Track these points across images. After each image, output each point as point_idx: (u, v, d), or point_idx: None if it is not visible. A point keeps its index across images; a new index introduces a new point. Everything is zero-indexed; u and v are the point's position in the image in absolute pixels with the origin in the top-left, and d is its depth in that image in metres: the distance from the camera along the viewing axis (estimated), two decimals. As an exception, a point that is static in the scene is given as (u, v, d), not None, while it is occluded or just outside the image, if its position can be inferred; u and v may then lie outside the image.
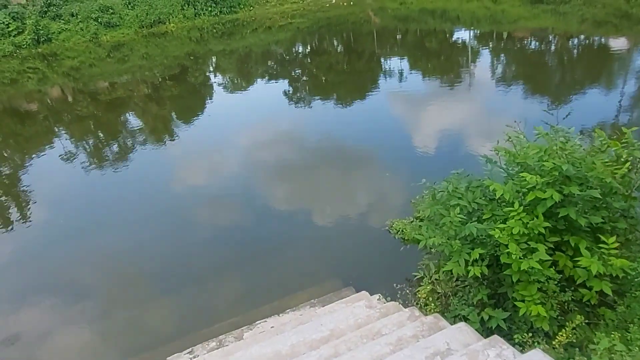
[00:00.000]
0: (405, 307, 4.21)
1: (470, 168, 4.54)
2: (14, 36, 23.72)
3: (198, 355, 4.52)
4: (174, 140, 12.09)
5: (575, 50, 17.16)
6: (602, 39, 17.15)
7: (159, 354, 4.70)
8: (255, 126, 12.11)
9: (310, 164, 9.39)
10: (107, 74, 19.56)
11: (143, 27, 25.32)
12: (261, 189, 8.66)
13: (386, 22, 24.30)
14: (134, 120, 14.79)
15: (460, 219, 3.82)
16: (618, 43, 16.26)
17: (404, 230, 5.86)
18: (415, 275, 4.53)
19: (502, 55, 17.59)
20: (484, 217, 3.98)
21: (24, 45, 23.74)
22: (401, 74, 16.24)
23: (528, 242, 3.65)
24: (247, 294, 5.69)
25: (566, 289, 3.66)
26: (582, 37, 18.10)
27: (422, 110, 11.78)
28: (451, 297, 4.18)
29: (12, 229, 8.35)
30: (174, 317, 5.51)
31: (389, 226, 6.36)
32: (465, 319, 3.99)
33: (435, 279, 4.26)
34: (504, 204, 4.13)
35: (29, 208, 9.16)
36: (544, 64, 15.39)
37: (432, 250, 4.17)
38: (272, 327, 4.73)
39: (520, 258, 3.51)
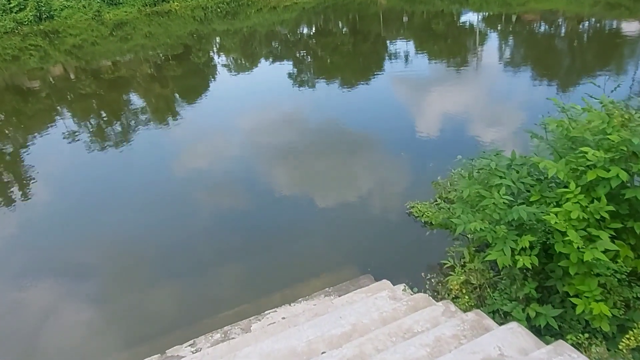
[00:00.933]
0: (435, 300, 3.62)
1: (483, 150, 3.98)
2: (15, 12, 22.74)
3: (201, 349, 3.95)
4: (177, 120, 11.40)
5: (585, 34, 16.32)
6: (615, 23, 16.29)
7: (157, 345, 4.13)
8: (260, 107, 11.39)
9: (320, 146, 8.68)
10: (110, 53, 18.73)
11: (146, 5, 24.34)
12: (269, 171, 7.98)
13: (393, 3, 23.31)
14: (136, 100, 14.08)
15: (506, 201, 3.19)
16: (631, 27, 15.41)
17: (426, 213, 5.24)
18: (445, 264, 3.92)
19: (511, 38, 16.76)
20: (531, 200, 3.35)
21: (25, 22, 22.78)
22: (407, 56, 15.43)
23: (586, 229, 3.04)
24: (254, 280, 5.08)
25: (632, 284, 3.05)
26: (593, 20, 17.23)
27: (429, 93, 11.04)
28: (488, 290, 3.58)
29: (12, 207, 7.80)
30: (175, 304, 4.90)
31: (408, 209, 5.73)
32: (505, 314, 3.40)
33: (470, 269, 3.65)
34: (554, 184, 3.51)
35: (30, 187, 8.57)
36: (554, 47, 14.57)
37: (469, 236, 3.54)
38: (283, 317, 4.14)
39: (579, 248, 2.90)
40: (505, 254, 3.15)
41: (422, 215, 5.35)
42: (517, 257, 3.13)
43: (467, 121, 8.92)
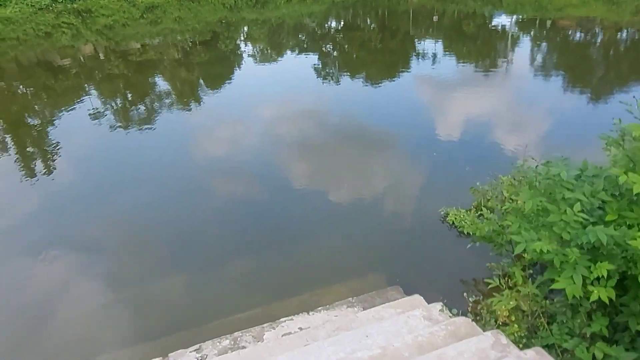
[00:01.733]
0: (478, 324, 3.03)
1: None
2: (51, -11, 22.63)
3: (207, 356, 3.46)
4: (200, 106, 10.98)
5: (623, 44, 15.29)
6: (656, 33, 15.23)
7: (159, 346, 3.67)
8: (284, 99, 10.85)
9: (344, 142, 8.08)
10: (139, 35, 18.41)
11: (178, -10, 23.92)
12: (290, 165, 7.42)
13: (424, 1, 22.44)
14: (162, 84, 13.70)
15: (580, 220, 2.59)
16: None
17: (464, 222, 4.63)
18: (488, 283, 3.33)
19: (544, 44, 15.82)
20: (607, 220, 2.74)
21: (60, -1, 22.67)
22: (435, 56, 14.66)
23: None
24: (269, 282, 4.56)
25: None
26: (632, 30, 16.14)
27: (458, 95, 10.33)
28: (541, 318, 2.99)
29: (33, 181, 7.49)
30: (182, 301, 4.42)
31: (442, 215, 5.14)
32: (563, 352, 2.81)
33: (520, 292, 3.06)
34: (634, 203, 2.88)
35: (53, 162, 8.28)
36: (588, 56, 13.64)
37: (525, 255, 2.94)
38: (300, 328, 3.62)
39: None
40: (575, 283, 2.55)
41: (459, 223, 4.74)
42: (590, 287, 2.53)
43: (498, 126, 8.23)
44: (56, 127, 10.09)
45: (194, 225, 5.69)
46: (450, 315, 3.22)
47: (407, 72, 12.60)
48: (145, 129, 9.56)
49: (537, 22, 17.70)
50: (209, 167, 7.39)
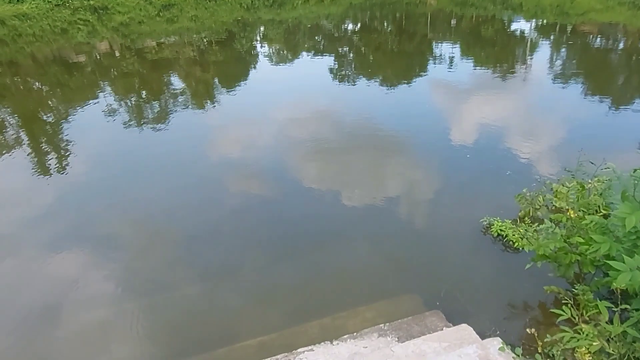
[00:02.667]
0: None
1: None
2: (68, -14, 22.40)
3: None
4: (214, 106, 10.55)
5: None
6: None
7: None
8: (302, 101, 10.43)
9: (366, 145, 7.58)
10: (155, 33, 18.07)
11: (195, -12, 23.56)
12: (309, 170, 6.89)
13: (442, 5, 21.82)
14: (177, 83, 13.31)
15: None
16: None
17: (511, 234, 4.05)
18: (559, 315, 2.71)
19: (564, 50, 15.10)
20: None
21: (77, -5, 22.43)
22: (452, 60, 14.00)
23: None
24: (285, 300, 3.99)
25: None
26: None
27: (484, 99, 9.79)
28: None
29: (47, 177, 7.23)
30: (183, 322, 3.88)
31: (484, 226, 4.59)
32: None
33: (606, 331, 2.45)
34: None
35: (66, 158, 7.99)
36: (609, 64, 12.89)
37: (616, 284, 2.33)
38: (326, 361, 3.05)
39: None
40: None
41: (502, 236, 4.21)
42: None
43: (532, 130, 7.62)
44: (70, 123, 9.81)
45: (204, 231, 5.24)
46: (515, 356, 2.61)
47: (426, 75, 12.06)
48: (159, 127, 9.22)
49: (557, 27, 16.98)
50: (222, 169, 7.02)
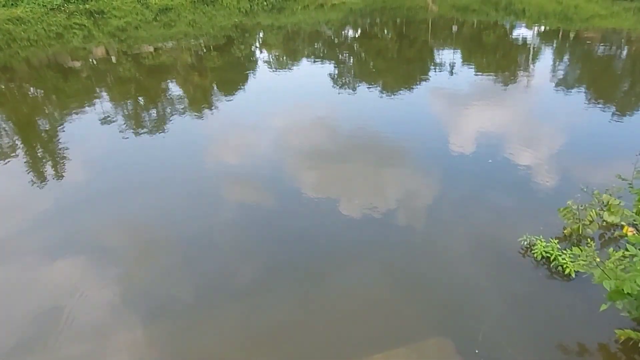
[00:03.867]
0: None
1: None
2: (64, -10, 22.44)
3: None
4: (212, 112, 10.52)
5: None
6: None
7: None
8: (299, 108, 10.33)
9: (376, 156, 7.33)
10: (152, 38, 18.07)
11: (192, -7, 23.69)
12: (313, 182, 6.53)
13: (444, 11, 21.95)
14: (174, 89, 13.29)
15: None
16: None
17: (561, 259, 3.67)
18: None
19: (566, 57, 15.23)
20: None
21: (72, -1, 22.47)
22: (452, 67, 14.09)
23: None
24: (287, 344, 3.45)
25: None
26: (662, 44, 15.49)
27: (488, 107, 9.76)
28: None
29: (42, 185, 7.12)
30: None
31: (523, 246, 4.07)
32: None
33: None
34: None
35: (62, 166, 7.93)
36: (612, 71, 13.01)
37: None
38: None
39: None
40: None
41: (552, 258, 3.69)
42: None
43: (556, 137, 7.60)
44: (65, 130, 9.72)
45: (197, 248, 4.91)
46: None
47: (426, 82, 12.08)
48: (156, 134, 9.17)
49: (560, 34, 17.14)
50: (221, 178, 6.83)
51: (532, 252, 3.99)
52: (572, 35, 16.87)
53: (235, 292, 4.14)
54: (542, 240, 3.94)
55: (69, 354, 3.59)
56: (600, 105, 9.66)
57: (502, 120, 8.64)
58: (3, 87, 13.55)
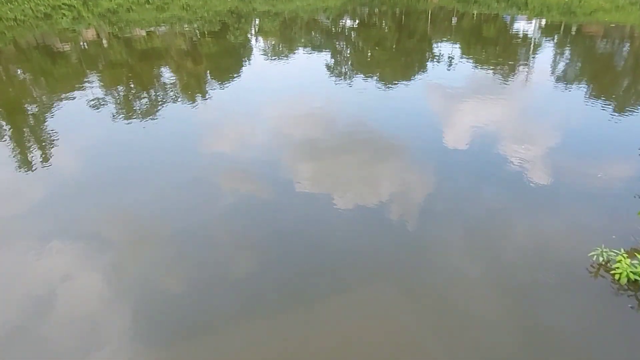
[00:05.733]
0: None
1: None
2: (53, -30, 21.94)
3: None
4: (205, 100, 10.42)
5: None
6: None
7: None
8: (295, 98, 10.27)
9: (402, 155, 7.11)
10: (145, 22, 17.83)
11: (187, -24, 23.30)
12: (316, 175, 6.27)
13: (445, 2, 21.87)
14: (167, 74, 13.14)
15: None
16: None
17: None
18: None
19: (567, 51, 15.28)
20: None
21: (62, -20, 21.99)
22: (451, 60, 14.08)
23: None
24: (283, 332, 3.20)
25: None
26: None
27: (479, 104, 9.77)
28: None
29: (31, 171, 6.97)
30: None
31: (595, 263, 3.28)
32: None
33: None
34: None
35: (50, 152, 7.77)
36: (614, 67, 13.09)
37: None
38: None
39: None
40: None
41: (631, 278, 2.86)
42: None
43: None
44: (54, 115, 9.51)
45: (193, 245, 4.74)
46: None
47: (424, 75, 12.07)
48: (147, 120, 9.00)
49: (562, 27, 17.17)
50: (211, 167, 6.69)
51: (612, 272, 3.15)
52: (574, 29, 16.92)
53: (228, 281, 4.07)
54: (625, 255, 3.01)
55: (60, 340, 3.59)
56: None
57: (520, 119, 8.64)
58: (-11, 68, 13.32)
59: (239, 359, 3.24)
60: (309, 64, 13.72)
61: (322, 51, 15.26)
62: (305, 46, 15.81)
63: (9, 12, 18.86)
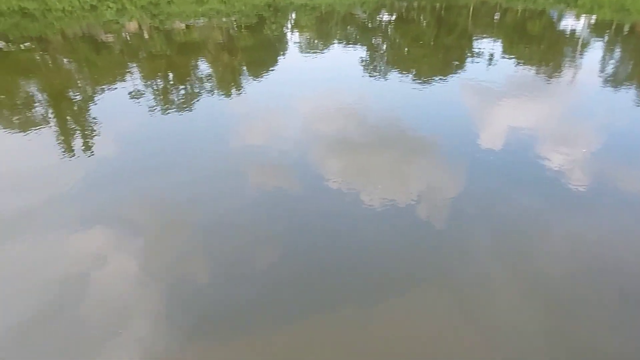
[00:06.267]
0: None
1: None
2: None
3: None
4: (240, 93, 10.58)
5: None
6: None
7: None
8: (330, 93, 10.25)
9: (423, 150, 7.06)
10: (184, 14, 18.26)
11: (226, -30, 23.64)
12: (350, 172, 6.23)
13: (487, -3, 21.20)
14: (203, 67, 13.44)
15: None
16: None
17: None
18: None
19: (618, 51, 14.46)
20: None
21: (107, -28, 22.83)
22: (491, 57, 13.61)
23: None
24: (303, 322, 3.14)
25: None
26: None
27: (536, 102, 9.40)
28: None
29: (72, 158, 7.24)
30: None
31: None
32: None
33: None
34: None
35: (92, 139, 8.10)
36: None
37: None
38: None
39: None
40: None
41: None
42: None
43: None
44: (97, 103, 9.93)
45: (222, 226, 4.77)
46: None
47: (461, 72, 11.74)
48: (184, 112, 9.25)
49: (614, 26, 16.27)
50: (243, 159, 6.79)
51: None
52: (626, 28, 16.00)
53: (249, 272, 4.13)
54: None
55: (92, 322, 3.75)
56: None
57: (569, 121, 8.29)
58: (38, 57, 14.02)
59: (259, 354, 3.27)
60: (344, 59, 13.66)
61: (357, 46, 15.15)
62: (340, 40, 15.74)
63: (57, 4, 19.78)
